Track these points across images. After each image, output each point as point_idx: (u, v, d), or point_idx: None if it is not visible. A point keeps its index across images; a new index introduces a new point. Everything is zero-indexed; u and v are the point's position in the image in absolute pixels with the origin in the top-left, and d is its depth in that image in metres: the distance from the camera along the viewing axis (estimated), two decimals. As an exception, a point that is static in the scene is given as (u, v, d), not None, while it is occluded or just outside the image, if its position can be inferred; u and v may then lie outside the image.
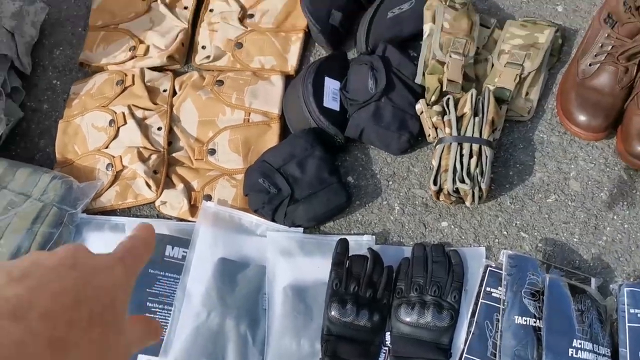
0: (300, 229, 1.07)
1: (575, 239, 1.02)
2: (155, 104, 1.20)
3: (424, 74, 1.12)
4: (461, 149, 1.01)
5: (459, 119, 1.04)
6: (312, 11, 1.20)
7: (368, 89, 1.10)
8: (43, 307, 0.32)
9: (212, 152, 1.15)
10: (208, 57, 1.25)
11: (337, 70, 1.17)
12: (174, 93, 1.23)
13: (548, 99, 1.13)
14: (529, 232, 1.03)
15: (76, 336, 0.33)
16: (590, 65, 1.06)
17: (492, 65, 1.13)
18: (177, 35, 1.27)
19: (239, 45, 1.24)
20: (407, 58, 1.14)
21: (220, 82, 1.20)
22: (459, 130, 1.03)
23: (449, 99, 1.06)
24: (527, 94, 1.11)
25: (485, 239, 1.04)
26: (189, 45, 1.29)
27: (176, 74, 1.26)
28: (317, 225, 1.08)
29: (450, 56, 1.09)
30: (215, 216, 1.09)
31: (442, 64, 1.10)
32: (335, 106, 1.14)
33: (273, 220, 1.07)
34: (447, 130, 1.03)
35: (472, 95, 1.04)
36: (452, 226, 1.06)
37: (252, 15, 1.27)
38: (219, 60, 1.26)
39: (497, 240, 1.04)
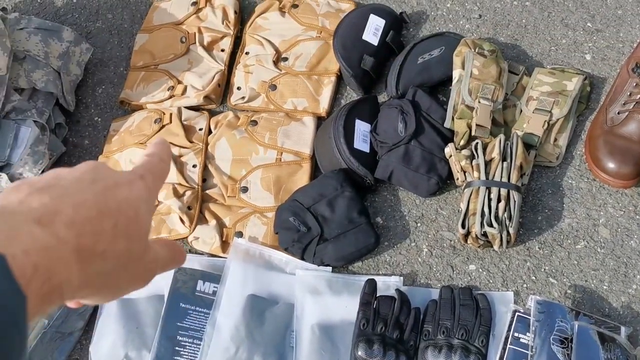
0: (329, 268, 1.09)
1: (604, 287, 1.02)
2: (191, 142, 1.24)
3: (453, 119, 1.14)
4: (489, 193, 1.03)
5: (488, 164, 1.06)
6: (345, 56, 1.24)
7: (398, 132, 1.13)
8: (68, 216, 0.32)
9: (245, 189, 1.18)
10: (243, 97, 1.29)
11: (367, 113, 1.20)
12: (210, 132, 1.27)
13: (577, 146, 1.15)
14: (558, 278, 1.03)
15: (101, 246, 0.33)
16: (618, 113, 1.08)
17: (521, 111, 1.15)
18: (213, 77, 1.32)
19: (273, 87, 1.28)
20: (437, 103, 1.16)
21: (254, 122, 1.24)
22: (487, 174, 1.04)
23: (477, 143, 1.07)
24: (555, 140, 1.13)
25: (514, 283, 1.04)
26: (225, 86, 1.34)
27: (212, 113, 1.31)
28: (346, 264, 1.10)
29: (479, 102, 1.12)
30: (245, 253, 1.11)
31: (471, 109, 1.12)
32: (366, 148, 1.16)
33: (302, 258, 1.09)
34: (476, 174, 1.05)
35: (500, 140, 1.06)
36: (480, 269, 1.06)
37: (286, 59, 1.31)
38: (253, 101, 1.30)
39: (525, 285, 1.04)
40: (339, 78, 1.29)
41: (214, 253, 1.14)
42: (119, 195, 0.36)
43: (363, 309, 1.00)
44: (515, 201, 1.02)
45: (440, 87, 1.24)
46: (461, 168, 1.07)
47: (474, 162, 1.06)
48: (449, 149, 1.09)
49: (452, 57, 1.19)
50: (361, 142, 1.16)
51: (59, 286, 0.31)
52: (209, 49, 1.36)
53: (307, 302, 1.05)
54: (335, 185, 1.11)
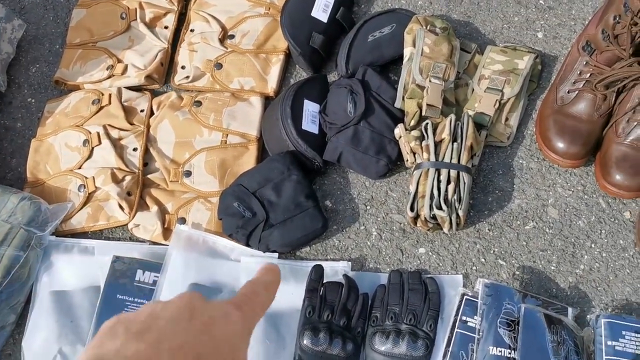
0: (275, 255, 1.05)
1: (552, 267, 1.01)
2: (131, 124, 1.18)
3: (403, 98, 1.11)
4: (439, 174, 1.00)
5: (438, 145, 1.03)
6: (293, 34, 1.19)
7: (347, 113, 1.09)
8: None
9: (188, 174, 1.13)
10: (187, 77, 1.24)
11: (316, 93, 1.16)
12: (152, 113, 1.21)
13: (527, 125, 1.13)
14: (507, 260, 1.02)
15: None
16: (568, 92, 1.06)
17: (473, 90, 1.13)
18: (156, 55, 1.26)
19: (219, 65, 1.23)
20: (387, 82, 1.13)
21: (198, 103, 1.19)
22: (437, 155, 1.02)
23: (427, 123, 1.05)
24: (506, 119, 1.11)
25: (463, 266, 1.02)
26: (168, 65, 1.28)
27: (154, 94, 1.25)
28: (293, 250, 1.06)
29: (430, 80, 1.09)
30: (188, 240, 1.06)
31: (422, 88, 1.09)
32: (314, 129, 1.12)
33: (247, 245, 1.05)
34: (425, 155, 1.02)
35: (451, 120, 1.03)
36: (430, 253, 1.04)
37: (232, 36, 1.26)
38: (198, 81, 1.24)
39: (474, 267, 1.02)
40: (288, 56, 1.25)
41: (155, 240, 1.09)
42: (215, 333, 0.35)
43: (309, 297, 0.97)
44: (465, 183, 0.99)
45: (391, 65, 1.20)
46: (411, 149, 1.04)
47: (423, 143, 1.03)
48: (398, 130, 1.06)
49: (403, 34, 1.15)
50: (310, 123, 1.12)
51: None
52: (151, 25, 1.30)
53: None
54: (282, 168, 1.07)
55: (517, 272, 1.01)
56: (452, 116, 1.04)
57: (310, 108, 1.13)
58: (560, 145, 1.03)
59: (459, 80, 1.15)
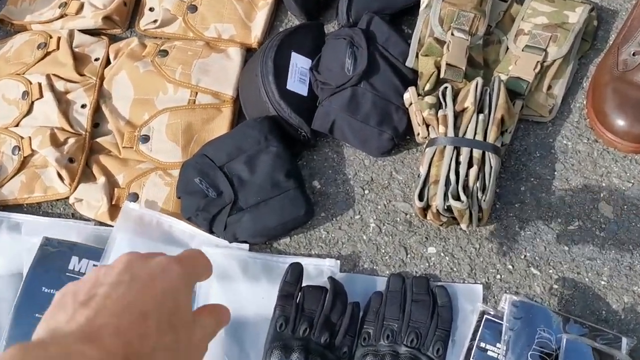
0: (246, 246, 0.83)
1: (602, 282, 0.77)
2: (81, 75, 0.96)
3: (417, 55, 0.87)
4: (458, 154, 0.77)
5: (458, 115, 0.79)
6: (283, -31, 0.95)
7: (344, 70, 0.86)
8: (113, 325, 0.35)
9: (146, 139, 0.91)
10: (155, 21, 1.01)
11: (309, 45, 0.92)
12: (108, 64, 0.98)
13: (576, 97, 0.88)
14: (542, 269, 0.79)
15: (149, 347, 0.35)
16: (634, 54, 0.81)
17: (507, 49, 0.88)
18: (119, -7, 1.03)
19: (193, 8, 1.00)
20: (398, 34, 0.89)
21: (164, 53, 0.96)
22: (457, 129, 0.78)
23: (446, 88, 0.81)
24: (549, 88, 0.86)
25: (484, 273, 0.79)
26: (134, 5, 1.05)
27: (114, 40, 1.02)
28: (267, 241, 0.84)
29: (452, 34, 0.84)
30: (139, 221, 0.85)
31: (442, 43, 0.85)
32: (303, 90, 0.89)
33: (210, 231, 0.83)
34: (442, 129, 0.78)
35: (477, 84, 0.79)
36: (442, 254, 0.81)
37: (213, -26, 1.02)
38: (167, 27, 1.01)
39: (498, 276, 0.79)
40: (278, 0, 1.01)
41: (100, 220, 0.88)
42: (156, 289, 0.38)
43: (282, 304, 0.75)
44: (491, 167, 0.76)
45: (405, 16, 0.96)
46: (423, 120, 0.81)
47: (440, 112, 0.79)
48: (409, 95, 0.83)
49: (420, -26, 0.91)
50: (297, 83, 0.89)
51: None
52: (116, -42, 1.06)
53: (212, 290, 0.80)
54: (258, 137, 0.84)
55: (556, 286, 0.77)
56: (479, 80, 0.80)
57: (299, 63, 0.90)
58: (620, 122, 0.79)
59: (489, 36, 0.90)
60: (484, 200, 0.74)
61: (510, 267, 0.79)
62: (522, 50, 0.85)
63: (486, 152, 0.76)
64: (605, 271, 0.78)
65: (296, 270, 0.77)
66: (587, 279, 0.77)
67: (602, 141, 0.84)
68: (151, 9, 1.03)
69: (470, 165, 0.76)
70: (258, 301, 0.79)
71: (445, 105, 0.80)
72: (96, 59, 0.98)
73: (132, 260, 0.40)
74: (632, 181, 0.82)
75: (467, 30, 0.85)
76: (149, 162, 0.90)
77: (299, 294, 0.76)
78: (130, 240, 0.83)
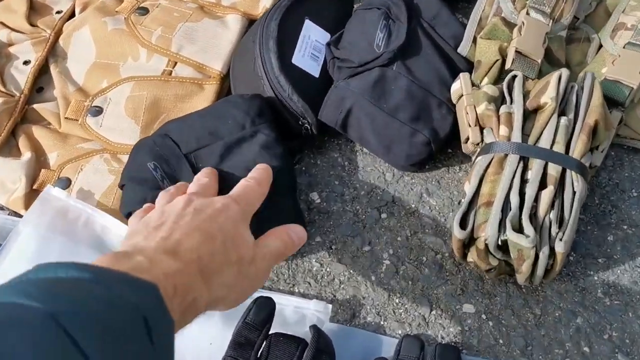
0: (202, 267, 0.58)
1: None
2: (33, 26, 0.74)
3: (475, 41, 0.63)
4: (525, 168, 0.52)
5: (529, 116, 0.55)
6: None
7: (373, 46, 0.62)
8: (186, 243, 0.40)
9: (97, 111, 0.68)
10: (143, -23, 0.80)
11: (331, 16, 0.70)
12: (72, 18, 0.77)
13: (689, 122, 0.63)
14: (635, 357, 0.52)
15: (218, 263, 0.41)
16: None
17: (599, 48, 0.65)
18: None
19: (192, -35, 0.78)
20: (452, 12, 0.66)
21: (143, 10, 0.74)
22: (526, 136, 0.53)
23: (514, 77, 0.57)
24: (656, 103, 0.62)
25: (545, 353, 0.53)
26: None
27: (90, -4, 0.81)
28: (234, 265, 0.58)
29: (528, 13, 0.61)
30: (60, 214, 0.61)
31: (512, 26, 0.62)
32: (314, 70, 0.66)
33: (156, 239, 0.58)
34: (504, 130, 0.54)
35: (560, 76, 0.55)
36: (484, 316, 0.55)
37: None
38: (158, -15, 0.80)
39: (567, 358, 0.52)
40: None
41: (12, 208, 0.63)
42: (219, 220, 0.43)
43: (234, 356, 0.49)
44: (574, 192, 0.50)
45: (463, 3, 0.74)
46: (477, 119, 0.56)
47: (502, 109, 0.55)
48: (459, 83, 0.59)
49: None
50: (307, 59, 0.65)
51: (194, 302, 0.37)
52: None
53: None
54: (243, 120, 0.60)
55: (659, 388, 0.50)
56: (564, 70, 0.55)
57: (313, 35, 0.67)
58: None
59: (574, 31, 0.67)
60: (561, 240, 0.48)
61: (587, 349, 0.53)
62: (623, 48, 0.61)
63: (569, 171, 0.51)
64: None
65: (264, 308, 0.51)
66: None
67: None
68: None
69: (543, 186, 0.50)
70: (202, 348, 0.53)
71: (512, 100, 0.55)
72: (58, 12, 0.77)
73: (192, 197, 0.45)
74: None
75: (547, 13, 0.61)
76: (96, 141, 0.67)
77: (264, 343, 0.50)
78: (42, 238, 0.59)
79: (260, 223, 0.53)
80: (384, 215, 0.62)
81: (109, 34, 0.72)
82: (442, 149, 0.62)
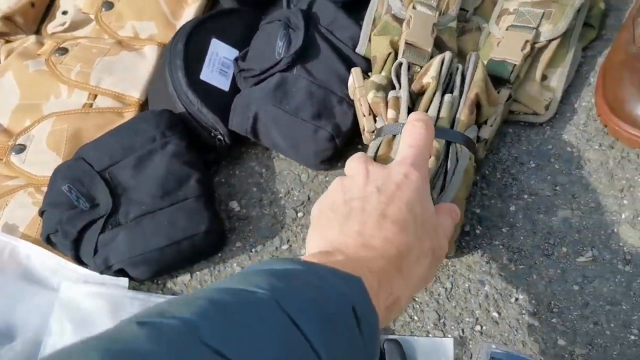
0: (125, 281, 0.59)
1: (632, 337, 0.51)
2: (-41, 76, 0.77)
3: (370, 40, 0.67)
4: (414, 146, 0.54)
5: (417, 98, 0.58)
6: (211, -51, 0.78)
7: (274, 54, 0.66)
8: (381, 236, 0.39)
9: (21, 149, 0.70)
10: (64, 23, 0.84)
11: (237, 34, 0.73)
12: (-2, 66, 0.80)
13: (581, 94, 0.67)
14: (542, 317, 0.53)
15: (415, 254, 0.40)
16: (657, 24, 0.60)
17: (489, 34, 0.68)
18: (28, -7, 0.86)
19: (109, 5, 0.82)
20: (348, 17, 0.69)
21: (63, 51, 0.77)
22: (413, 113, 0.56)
23: (400, 63, 0.60)
24: (544, 78, 0.65)
25: (457, 323, 0.54)
26: (44, 8, 0.88)
27: (16, 45, 0.84)
28: (156, 276, 0.60)
29: (414, 7, 0.65)
30: (-15, 248, 0.62)
31: (401, 22, 0.65)
32: (224, 84, 0.69)
33: (77, 259, 0.60)
34: (391, 113, 0.56)
35: (443, 58, 0.58)
36: (398, 295, 0.56)
37: (140, -31, 0.86)
38: (80, 29, 0.84)
39: (478, 327, 0.54)
40: (213, -4, 0.84)
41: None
42: (405, 198, 0.41)
43: None
44: (457, 161, 0.53)
45: (364, 8, 0.77)
46: (369, 109, 0.59)
47: (390, 94, 0.58)
48: (352, 78, 0.62)
49: (379, -49, 0.73)
50: (216, 74, 0.68)
51: (399, 299, 0.38)
52: (34, -40, 0.91)
53: (62, 343, 0.55)
54: (153, 132, 0.63)
55: (563, 342, 0.52)
56: (448, 53, 0.59)
57: (220, 52, 0.70)
58: (643, 110, 0.57)
59: (466, 23, 0.71)
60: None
61: (496, 314, 0.54)
62: (507, 30, 0.65)
63: (453, 144, 0.54)
64: (635, 321, 0.52)
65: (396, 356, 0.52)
66: (608, 332, 0.52)
67: (620, 140, 0.61)
68: (64, 12, 0.86)
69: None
70: None
71: (400, 84, 0.58)
72: (-16, 61, 0.80)
73: (370, 169, 0.43)
74: (667, 196, 0.58)
75: (433, 6, 0.65)
76: (20, 177, 0.69)
77: None
78: (-33, 272, 0.60)
79: (150, 218, 0.56)
80: (300, 214, 0.64)
81: (30, 75, 0.75)
82: (350, 143, 0.65)
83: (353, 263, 0.36)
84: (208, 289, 0.32)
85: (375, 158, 0.54)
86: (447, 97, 0.56)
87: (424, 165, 0.45)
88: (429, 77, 0.56)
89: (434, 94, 0.56)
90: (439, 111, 0.55)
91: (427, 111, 0.55)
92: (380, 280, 0.36)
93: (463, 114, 0.55)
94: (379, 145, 0.55)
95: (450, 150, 0.53)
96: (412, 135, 0.46)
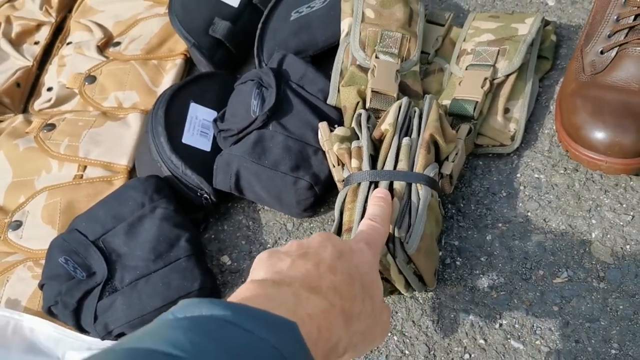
0: (126, 344, 0.61)
1: (613, 351, 0.54)
2: (-47, 159, 0.81)
3: (339, 91, 0.70)
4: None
5: (377, 145, 0.61)
6: (184, 18, 0.83)
7: (250, 113, 0.70)
8: (330, 280, 0.38)
9: (17, 225, 0.73)
10: (50, 100, 0.88)
11: (214, 96, 0.77)
12: (-11, 147, 0.83)
13: (544, 122, 0.70)
14: (525, 340, 0.56)
15: (357, 308, 0.39)
16: (602, 52, 0.64)
17: (451, 74, 0.72)
18: (13, 74, 0.90)
19: (91, 79, 0.86)
20: (317, 71, 0.73)
21: (51, 127, 0.81)
22: (374, 162, 0.60)
23: (360, 114, 0.64)
24: (507, 111, 0.69)
25: (447, 354, 0.57)
26: (30, 87, 0.92)
27: (5, 124, 0.88)
28: (155, 336, 0.62)
29: (377, 57, 0.69)
30: (-10, 325, 0.64)
31: (366, 71, 0.69)
32: (205, 145, 0.72)
33: (79, 327, 0.62)
34: (355, 163, 0.60)
35: (400, 104, 0.62)
36: (388, 332, 0.59)
37: (118, 44, 0.90)
38: (65, 104, 0.88)
39: (467, 355, 0.56)
40: (189, 62, 0.88)
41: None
42: (356, 260, 0.42)
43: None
44: (419, 198, 0.56)
45: (331, 58, 0.81)
46: (337, 159, 0.63)
47: (353, 144, 0.61)
48: (320, 133, 0.66)
49: (340, 6, 0.78)
50: (197, 136, 0.72)
51: (336, 345, 0.37)
52: (17, 42, 0.97)
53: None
54: (141, 199, 0.66)
55: (544, 360, 0.54)
56: (405, 99, 0.63)
57: (199, 115, 0.74)
58: (597, 134, 0.60)
59: (429, 65, 0.75)
60: (407, 243, 0.53)
61: (482, 341, 0.57)
62: (466, 70, 0.69)
63: (413, 185, 0.57)
64: (614, 335, 0.55)
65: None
66: (590, 349, 0.54)
67: (581, 164, 0.64)
68: (49, 89, 0.90)
69: (395, 202, 0.56)
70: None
71: (361, 134, 0.62)
72: (-24, 144, 0.83)
73: (330, 236, 0.43)
74: (632, 213, 0.61)
75: (395, 53, 0.69)
76: (19, 252, 0.72)
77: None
78: (-27, 350, 0.62)
79: (144, 282, 0.59)
80: (289, 262, 0.66)
81: (21, 154, 0.79)
82: (330, 189, 0.68)
83: (294, 304, 0.35)
84: (116, 350, 0.29)
85: (343, 206, 0.57)
86: (405, 140, 0.59)
87: (378, 244, 0.47)
88: (386, 124, 0.60)
89: (392, 139, 0.59)
90: (397, 155, 0.58)
91: (387, 156, 0.59)
92: (320, 325, 0.35)
93: (420, 155, 0.58)
94: (346, 194, 0.58)
95: (412, 190, 0.56)
96: (372, 208, 0.50)
